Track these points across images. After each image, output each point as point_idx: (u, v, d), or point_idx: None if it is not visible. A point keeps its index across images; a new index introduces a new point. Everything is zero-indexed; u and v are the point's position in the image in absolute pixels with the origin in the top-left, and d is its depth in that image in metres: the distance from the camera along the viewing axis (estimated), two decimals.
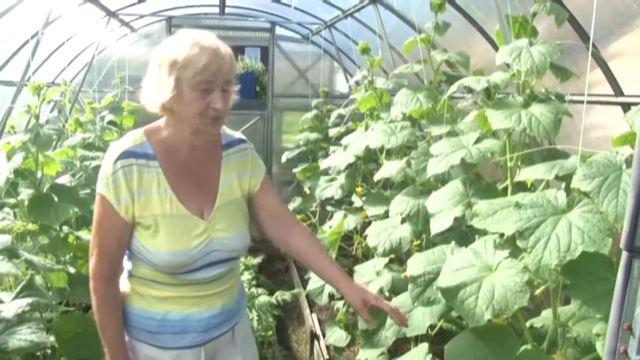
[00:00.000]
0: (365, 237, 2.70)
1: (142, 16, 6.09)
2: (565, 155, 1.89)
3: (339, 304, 3.47)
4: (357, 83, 3.94)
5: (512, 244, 1.53)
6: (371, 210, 3.00)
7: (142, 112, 5.20)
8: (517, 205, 1.40)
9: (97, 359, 2.60)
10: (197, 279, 1.55)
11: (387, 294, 2.50)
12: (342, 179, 3.75)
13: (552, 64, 1.83)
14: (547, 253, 1.29)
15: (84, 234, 3.00)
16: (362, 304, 1.54)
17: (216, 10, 6.46)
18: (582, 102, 1.64)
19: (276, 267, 5.65)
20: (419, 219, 2.38)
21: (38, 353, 2.62)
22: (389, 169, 2.82)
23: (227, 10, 6.49)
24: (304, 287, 3.81)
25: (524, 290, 1.38)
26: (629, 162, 1.31)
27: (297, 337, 4.12)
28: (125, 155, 1.49)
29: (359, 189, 3.58)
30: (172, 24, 6.73)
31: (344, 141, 3.47)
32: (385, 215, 2.82)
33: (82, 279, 2.75)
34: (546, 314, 1.76)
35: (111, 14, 5.19)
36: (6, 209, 2.88)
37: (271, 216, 1.71)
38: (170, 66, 1.42)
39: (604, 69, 2.45)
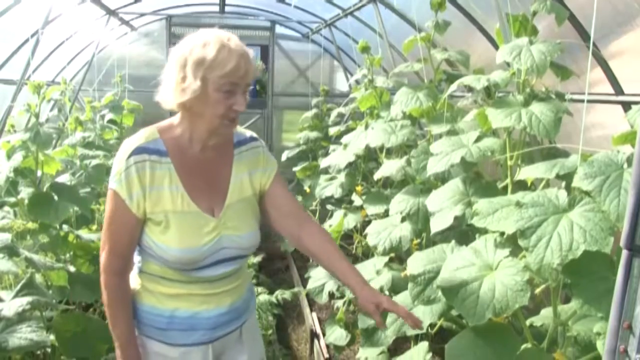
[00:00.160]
0: (365, 236, 2.70)
1: (142, 15, 6.09)
2: (565, 154, 1.89)
3: (339, 303, 3.47)
4: (357, 82, 3.93)
5: (512, 243, 1.53)
6: (371, 209, 3.00)
7: (142, 111, 5.15)
8: (518, 204, 1.40)
9: (97, 358, 2.62)
10: (206, 277, 1.56)
11: (387, 292, 2.50)
12: (342, 177, 3.75)
13: (552, 62, 1.83)
14: (548, 252, 1.29)
15: (84, 233, 3.00)
16: (375, 307, 1.53)
17: (216, 8, 6.46)
18: (582, 101, 1.64)
19: (276, 266, 5.65)
20: (419, 218, 2.38)
21: (38, 352, 2.62)
22: (389, 167, 2.82)
23: (227, 9, 6.49)
24: (304, 286, 3.81)
25: (524, 289, 1.38)
26: (630, 161, 1.31)
27: (297, 336, 4.12)
28: (138, 151, 1.49)
29: (359, 188, 3.58)
30: (172, 23, 6.73)
31: (344, 140, 3.47)
32: (385, 214, 2.82)
33: (82, 277, 2.75)
34: (546, 312, 1.76)
35: (111, 12, 5.19)
36: (6, 208, 2.88)
37: (283, 213, 1.71)
38: (197, 65, 1.42)
39: (605, 67, 2.45)
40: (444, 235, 2.18)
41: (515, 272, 1.43)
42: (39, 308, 2.28)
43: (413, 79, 3.52)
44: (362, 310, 1.61)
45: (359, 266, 2.72)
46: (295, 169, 5.01)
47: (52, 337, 2.39)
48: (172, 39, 7.01)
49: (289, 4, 5.61)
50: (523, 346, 1.47)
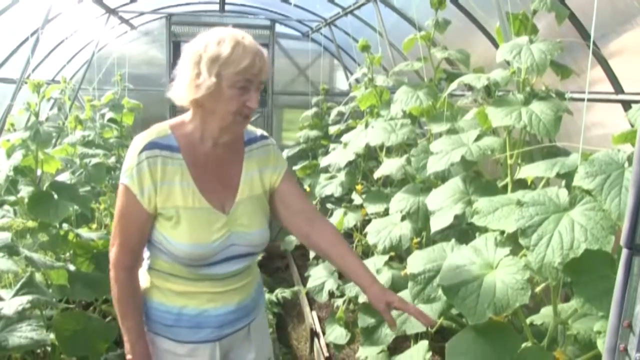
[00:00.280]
0: (365, 235, 2.70)
1: (141, 13, 6.08)
2: (565, 153, 1.89)
3: (339, 302, 3.48)
4: (357, 80, 3.93)
5: (512, 242, 1.53)
6: (371, 208, 3.00)
7: (142, 110, 5.13)
8: (519, 203, 1.40)
9: (97, 356, 2.62)
10: (214, 274, 1.57)
11: None
12: (342, 176, 3.75)
13: (552, 61, 1.82)
14: (550, 251, 1.29)
15: (83, 232, 2.99)
16: (386, 305, 1.54)
17: (216, 7, 6.46)
18: (582, 99, 1.64)
19: (276, 265, 5.66)
20: (419, 217, 2.38)
21: (38, 350, 2.62)
22: (389, 166, 2.82)
23: (227, 7, 6.49)
24: (304, 285, 3.81)
25: (525, 288, 1.38)
26: (630, 159, 1.31)
27: (297, 335, 4.13)
28: (150, 146, 1.50)
29: (359, 187, 3.58)
30: (172, 22, 6.72)
31: (344, 139, 3.47)
32: (385, 212, 2.82)
33: (82, 276, 2.75)
34: (546, 311, 1.76)
35: (111, 11, 5.19)
36: (6, 207, 2.88)
37: (293, 211, 1.72)
38: (212, 62, 1.43)
39: (605, 66, 2.45)
40: (444, 234, 2.18)
41: (515, 270, 1.43)
42: (39, 307, 2.28)
43: (413, 78, 3.52)
44: (374, 308, 1.62)
45: None
46: (295, 167, 5.01)
47: (52, 335, 2.39)
48: (172, 37, 7.02)
49: (289, 3, 5.60)
50: (523, 345, 1.47)
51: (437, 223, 1.94)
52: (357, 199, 3.58)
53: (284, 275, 5.34)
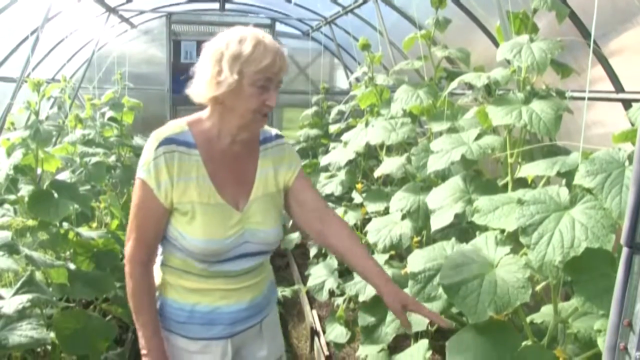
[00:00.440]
0: (365, 234, 2.70)
1: (142, 12, 6.09)
2: (565, 152, 1.89)
3: (339, 301, 3.48)
4: (358, 79, 3.93)
5: (513, 240, 1.53)
6: (371, 207, 3.00)
7: (142, 109, 5.12)
8: (520, 202, 1.40)
9: (97, 355, 2.63)
10: (227, 271, 1.58)
11: None
12: (342, 175, 3.75)
13: (552, 60, 1.82)
14: (550, 249, 1.29)
15: (84, 231, 2.99)
16: (401, 307, 1.56)
17: (216, 6, 6.46)
18: (583, 98, 1.64)
19: (276, 264, 5.65)
20: (420, 216, 2.38)
21: (38, 349, 2.62)
22: (389, 165, 2.82)
23: (227, 6, 6.49)
24: (304, 284, 3.81)
25: (525, 286, 1.38)
26: (631, 158, 1.31)
27: (298, 334, 4.12)
28: (167, 141, 1.51)
29: (359, 186, 3.58)
30: (172, 20, 6.72)
31: (344, 137, 3.47)
32: (386, 211, 2.82)
33: (82, 275, 2.75)
34: (546, 310, 1.76)
35: (111, 10, 5.19)
36: (6, 205, 2.88)
37: (307, 209, 1.73)
38: (233, 60, 1.45)
39: (605, 65, 2.45)
40: (445, 233, 2.19)
41: (516, 269, 1.43)
42: (39, 305, 2.28)
43: (413, 77, 3.52)
44: (389, 309, 1.63)
45: None
46: None
47: (52, 334, 2.39)
48: (172, 36, 7.01)
49: (290, 2, 5.60)
50: (523, 343, 1.47)
51: (438, 222, 1.94)
52: (357, 197, 3.58)
53: (284, 274, 5.34)
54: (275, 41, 1.51)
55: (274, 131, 1.75)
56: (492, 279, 1.44)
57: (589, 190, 1.33)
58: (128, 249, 1.55)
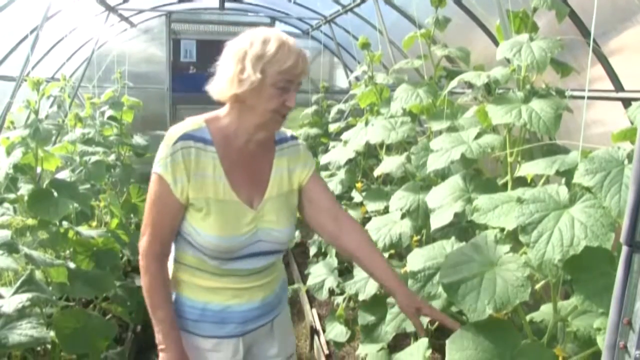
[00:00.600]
0: None
1: (141, 11, 6.08)
2: (565, 151, 1.89)
3: (339, 299, 3.48)
4: (357, 78, 3.94)
5: (512, 239, 1.53)
6: (371, 206, 3.00)
7: (142, 108, 5.12)
8: (519, 200, 1.40)
9: (97, 354, 2.63)
10: (239, 269, 1.58)
11: None
12: (342, 174, 3.75)
13: (552, 59, 1.82)
14: (550, 248, 1.29)
15: (83, 229, 3.00)
16: (415, 311, 1.57)
17: (216, 5, 6.45)
18: (582, 97, 1.64)
19: None
20: (419, 215, 2.38)
21: (38, 348, 2.62)
22: (389, 164, 2.82)
23: (227, 5, 6.48)
24: (304, 283, 3.81)
25: (525, 285, 1.38)
26: (630, 157, 1.31)
27: (297, 333, 4.12)
28: (185, 137, 1.52)
29: (359, 185, 3.58)
30: (171, 19, 6.72)
31: (344, 136, 3.46)
32: (385, 210, 2.82)
33: (82, 274, 2.75)
34: (546, 308, 1.77)
35: (110, 8, 5.18)
36: (6, 204, 2.87)
37: (320, 210, 1.73)
38: (257, 59, 1.46)
39: (605, 64, 2.45)
40: (444, 232, 2.18)
41: (515, 267, 1.43)
42: (39, 304, 2.28)
43: (413, 76, 3.52)
44: (403, 313, 1.65)
45: None
46: None
47: (52, 333, 2.39)
48: (172, 35, 7.01)
49: (290, 0, 5.60)
50: (523, 342, 1.47)
51: (437, 221, 1.94)
52: (357, 196, 3.58)
53: None
54: (296, 44, 1.53)
55: (289, 132, 1.77)
56: (491, 278, 1.44)
57: (588, 189, 1.33)
58: (143, 243, 1.56)
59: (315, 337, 3.61)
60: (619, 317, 0.98)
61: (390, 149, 3.32)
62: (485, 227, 1.65)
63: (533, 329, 1.61)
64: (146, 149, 4.95)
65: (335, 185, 3.70)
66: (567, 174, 1.56)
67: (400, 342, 2.95)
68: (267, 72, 1.46)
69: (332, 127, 4.67)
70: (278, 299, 1.75)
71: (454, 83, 2.16)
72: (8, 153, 2.71)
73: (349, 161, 3.47)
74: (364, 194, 3.29)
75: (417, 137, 2.87)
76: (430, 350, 2.01)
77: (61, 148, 3.68)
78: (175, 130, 1.54)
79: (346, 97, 4.94)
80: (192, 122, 1.57)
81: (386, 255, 2.67)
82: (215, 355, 1.62)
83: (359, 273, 2.67)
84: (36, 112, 2.90)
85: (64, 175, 3.30)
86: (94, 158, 3.65)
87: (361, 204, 3.35)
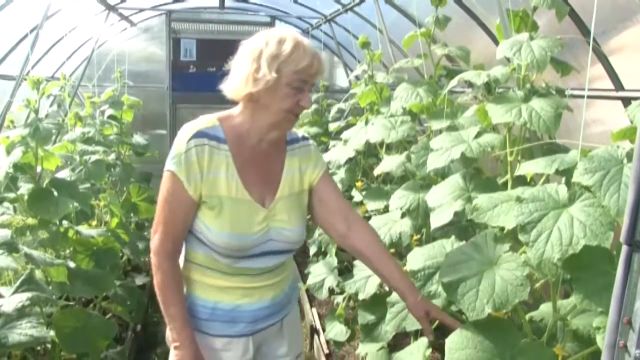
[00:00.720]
0: None
1: (141, 10, 6.08)
2: (565, 149, 1.88)
3: (339, 299, 3.48)
4: (357, 77, 3.93)
5: (512, 238, 1.53)
6: (371, 205, 3.00)
7: (142, 107, 5.12)
8: (519, 200, 1.40)
9: (97, 353, 2.63)
10: (250, 268, 1.59)
11: (387, 288, 2.50)
12: (342, 173, 3.75)
13: (552, 58, 1.82)
14: (549, 247, 1.29)
15: (83, 229, 2.99)
16: (425, 314, 1.59)
17: (216, 4, 6.46)
18: (582, 96, 1.64)
19: None
20: (419, 214, 2.38)
21: (38, 347, 2.63)
22: (389, 163, 2.82)
23: (227, 4, 6.48)
24: (304, 282, 3.81)
25: (524, 284, 1.38)
26: (629, 156, 1.31)
27: None
28: (199, 135, 1.52)
29: (359, 184, 3.58)
30: (171, 18, 6.71)
31: (344, 135, 3.46)
32: (385, 209, 2.82)
33: (82, 273, 2.75)
34: (545, 307, 1.76)
35: (110, 7, 5.18)
36: (6, 204, 2.87)
37: (330, 209, 1.74)
38: (272, 59, 1.46)
39: (605, 63, 2.44)
40: (444, 231, 2.18)
41: (515, 267, 1.43)
42: (39, 304, 2.28)
43: (413, 75, 3.52)
44: (413, 316, 1.67)
45: (360, 262, 2.72)
46: None
47: (52, 332, 2.39)
48: (172, 34, 7.00)
49: None
50: (523, 341, 1.47)
51: (437, 220, 1.94)
52: (357, 195, 3.58)
53: None
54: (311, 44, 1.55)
55: (300, 133, 1.78)
56: (491, 277, 1.44)
57: (587, 188, 1.32)
58: (155, 241, 1.56)
59: (315, 337, 3.61)
60: (618, 316, 0.98)
61: (390, 148, 3.32)
62: (485, 226, 1.65)
63: (532, 328, 1.61)
64: (146, 148, 4.95)
65: None
66: (566, 173, 1.56)
67: (400, 341, 2.95)
68: (282, 71, 1.46)
69: (332, 126, 4.67)
70: (288, 298, 1.76)
71: (454, 82, 2.16)
72: (8, 152, 2.71)
73: (349, 160, 3.47)
74: (364, 193, 3.29)
75: (417, 136, 2.87)
76: (430, 350, 2.01)
77: (61, 147, 3.68)
78: (189, 128, 1.54)
79: (346, 96, 4.93)
80: (206, 120, 1.57)
81: None
82: (225, 355, 1.63)
83: (358, 272, 2.67)
84: (36, 111, 2.90)
85: (64, 174, 3.30)
86: (94, 157, 3.64)
87: (361, 203, 3.35)
